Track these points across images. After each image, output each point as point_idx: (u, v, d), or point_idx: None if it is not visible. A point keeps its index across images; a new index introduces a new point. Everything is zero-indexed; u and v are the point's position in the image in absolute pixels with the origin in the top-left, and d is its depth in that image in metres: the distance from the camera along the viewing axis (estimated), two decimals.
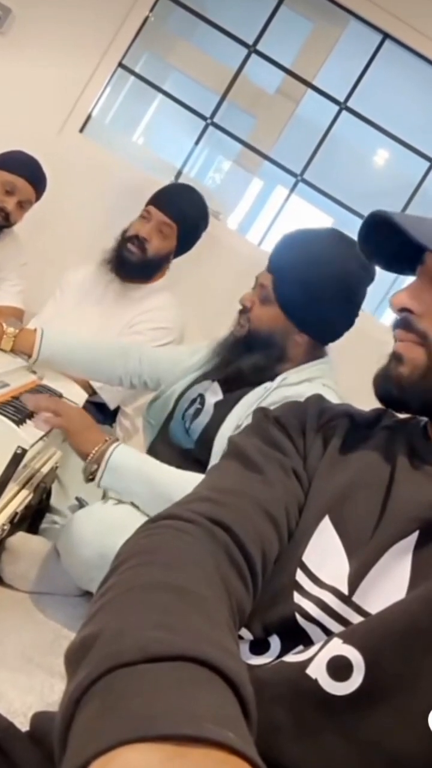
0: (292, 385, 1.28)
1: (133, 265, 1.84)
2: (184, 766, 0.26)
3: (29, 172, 1.87)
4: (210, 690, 0.31)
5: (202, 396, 1.40)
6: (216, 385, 1.40)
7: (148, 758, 0.26)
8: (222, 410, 1.33)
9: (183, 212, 1.85)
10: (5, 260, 1.99)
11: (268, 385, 1.30)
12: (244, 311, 1.38)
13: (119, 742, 0.27)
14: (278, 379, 1.31)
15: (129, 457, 1.17)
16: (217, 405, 1.36)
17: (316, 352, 1.37)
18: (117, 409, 1.86)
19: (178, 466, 1.21)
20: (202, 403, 1.39)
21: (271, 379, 1.31)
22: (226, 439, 1.23)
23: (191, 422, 1.38)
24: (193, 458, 1.33)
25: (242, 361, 1.35)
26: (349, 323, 1.36)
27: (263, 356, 1.34)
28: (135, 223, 1.87)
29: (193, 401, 1.41)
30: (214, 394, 1.39)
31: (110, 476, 1.14)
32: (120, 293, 1.89)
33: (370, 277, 1.33)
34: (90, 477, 1.16)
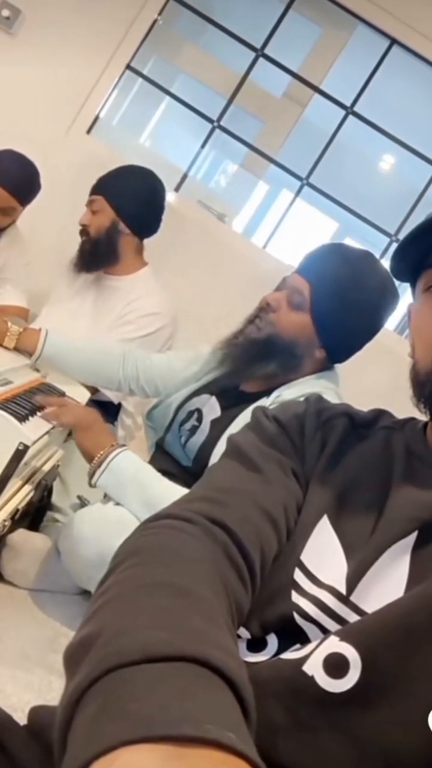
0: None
1: (89, 252, 1.84)
2: (184, 767, 0.26)
3: (5, 177, 1.83)
4: (210, 690, 0.31)
5: (199, 411, 1.38)
6: (214, 400, 1.37)
7: (149, 759, 0.26)
8: (218, 428, 1.31)
9: (104, 184, 1.82)
10: (9, 260, 2.00)
11: (262, 402, 1.28)
12: (265, 310, 1.30)
13: (119, 743, 0.26)
14: (273, 395, 1.28)
15: (130, 463, 1.18)
16: (213, 423, 1.34)
17: (320, 368, 1.33)
18: (119, 408, 1.87)
19: (177, 478, 1.21)
20: (200, 420, 1.36)
21: (267, 394, 1.29)
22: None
23: (188, 439, 1.37)
24: (192, 473, 1.33)
25: (256, 368, 1.29)
26: (364, 345, 1.35)
27: (279, 365, 1.28)
28: None
29: (191, 414, 1.39)
30: (211, 411, 1.36)
31: (107, 477, 1.15)
32: (103, 287, 1.88)
33: (396, 304, 1.32)
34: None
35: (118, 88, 2.50)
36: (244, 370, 1.31)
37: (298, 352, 1.28)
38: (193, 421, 1.37)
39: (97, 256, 1.83)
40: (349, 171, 3.23)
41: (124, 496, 1.15)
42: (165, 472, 1.27)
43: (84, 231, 1.84)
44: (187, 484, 1.23)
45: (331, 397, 1.25)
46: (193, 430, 1.36)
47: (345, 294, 1.25)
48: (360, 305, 1.26)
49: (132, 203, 1.83)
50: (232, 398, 1.34)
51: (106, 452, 1.17)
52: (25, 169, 1.87)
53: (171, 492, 1.14)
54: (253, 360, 1.29)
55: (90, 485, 1.19)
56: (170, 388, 1.50)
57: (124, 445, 1.20)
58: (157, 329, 1.78)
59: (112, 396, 1.77)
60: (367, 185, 3.44)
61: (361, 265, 1.28)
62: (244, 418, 1.27)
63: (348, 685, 0.44)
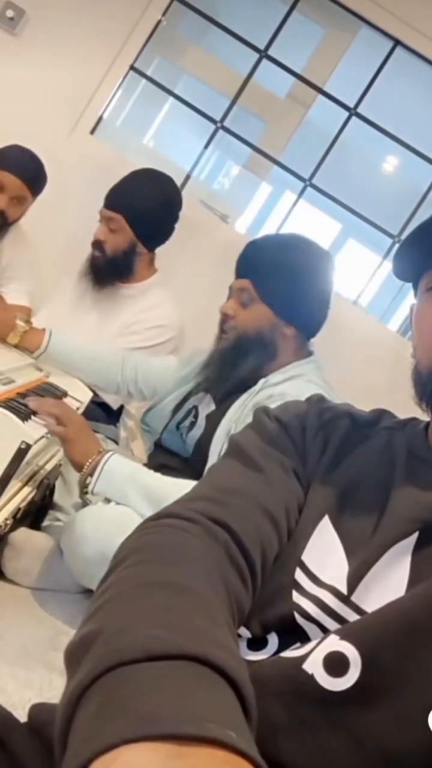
0: (276, 385, 1.31)
1: (102, 269, 1.81)
2: (185, 766, 0.26)
3: (16, 167, 1.85)
4: (211, 689, 0.31)
5: (196, 408, 1.43)
6: (209, 397, 1.43)
7: (150, 757, 0.26)
8: (213, 421, 1.36)
9: (124, 201, 1.77)
10: (13, 259, 2.01)
11: (251, 389, 1.33)
12: (225, 321, 1.40)
13: (120, 741, 0.26)
14: (260, 382, 1.33)
15: (123, 465, 1.20)
16: (208, 417, 1.39)
17: (300, 351, 1.40)
18: (121, 409, 1.87)
19: (178, 472, 1.23)
20: (196, 416, 1.42)
21: (255, 382, 1.34)
22: (218, 449, 1.29)
23: (186, 434, 1.41)
24: (192, 466, 1.36)
25: (238, 371, 1.37)
26: (325, 310, 1.41)
27: (257, 357, 1.36)
28: (96, 229, 1.85)
29: (188, 413, 1.44)
30: (206, 406, 1.42)
31: (104, 482, 1.17)
32: (112, 295, 1.86)
33: (332, 263, 1.41)
34: (85, 490, 1.19)
35: (121, 88, 2.50)
36: (229, 377, 1.38)
37: (267, 339, 1.36)
38: (190, 418, 1.43)
39: (111, 273, 1.82)
40: (352, 172, 3.23)
41: (126, 497, 1.16)
42: (166, 467, 1.32)
43: (98, 245, 1.80)
44: (188, 476, 1.26)
45: (318, 382, 1.33)
46: (191, 426, 1.41)
47: (281, 269, 1.34)
48: (300, 268, 1.35)
49: (153, 224, 1.80)
50: (224, 391, 1.39)
51: (96, 460, 1.18)
52: (35, 160, 1.90)
53: (171, 484, 1.16)
54: (232, 365, 1.38)
55: (81, 493, 1.21)
56: (165, 390, 1.54)
57: (110, 450, 1.22)
58: (163, 341, 1.78)
59: (110, 400, 1.77)
60: (370, 186, 3.44)
61: (283, 241, 1.40)
62: (235, 408, 1.33)
63: (348, 683, 0.44)
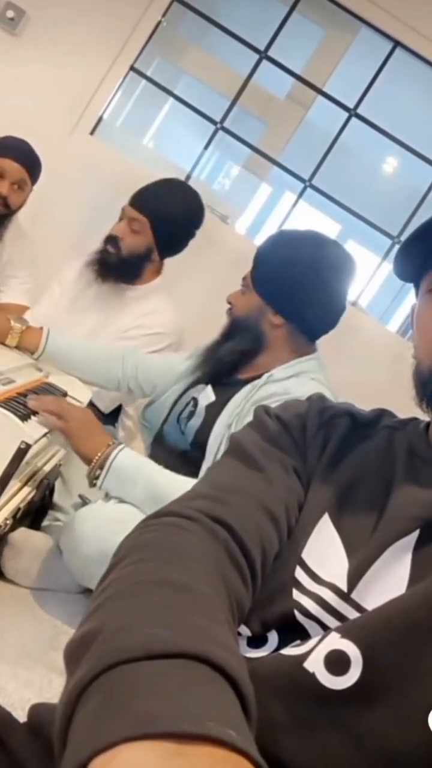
0: (279, 381, 1.31)
1: (112, 265, 1.80)
2: (185, 764, 0.26)
3: (15, 152, 1.87)
4: (211, 687, 0.31)
5: (195, 399, 1.44)
6: (209, 388, 1.44)
7: (150, 756, 0.26)
8: (213, 412, 1.36)
9: (153, 206, 1.75)
10: (13, 257, 2.01)
11: (255, 382, 1.34)
12: (230, 309, 1.45)
13: (120, 740, 0.26)
14: (264, 376, 1.34)
15: (131, 460, 1.19)
16: (208, 407, 1.40)
17: (302, 348, 1.40)
18: (119, 409, 1.87)
19: (176, 467, 1.23)
20: (195, 406, 1.43)
21: (258, 375, 1.35)
22: (218, 440, 1.30)
23: (185, 425, 1.42)
24: (190, 459, 1.36)
25: (221, 350, 1.42)
26: (332, 309, 1.39)
27: (240, 340, 1.40)
28: (114, 225, 1.84)
29: (187, 404, 1.45)
30: (206, 397, 1.43)
31: (112, 479, 1.16)
32: (114, 294, 1.85)
33: (349, 266, 1.38)
34: (94, 482, 1.18)
35: (121, 89, 2.50)
36: (210, 356, 1.44)
37: (252, 324, 1.39)
38: (189, 408, 1.44)
39: (119, 272, 1.81)
40: (351, 173, 3.23)
41: (131, 494, 1.16)
42: (165, 467, 1.30)
43: (113, 241, 1.79)
44: (186, 474, 1.25)
45: (322, 380, 1.34)
46: (190, 415, 1.42)
47: (276, 257, 1.36)
48: (295, 259, 1.34)
49: (175, 236, 1.81)
50: (226, 384, 1.40)
51: (105, 454, 1.17)
52: (30, 147, 1.92)
53: (175, 482, 1.16)
54: (218, 346, 1.43)
55: (90, 487, 1.20)
56: (166, 384, 1.55)
57: (120, 443, 1.21)
58: (160, 349, 1.78)
59: (102, 405, 1.77)
60: (370, 187, 3.44)
61: (294, 234, 1.41)
62: (237, 401, 1.33)
63: (349, 682, 0.44)
